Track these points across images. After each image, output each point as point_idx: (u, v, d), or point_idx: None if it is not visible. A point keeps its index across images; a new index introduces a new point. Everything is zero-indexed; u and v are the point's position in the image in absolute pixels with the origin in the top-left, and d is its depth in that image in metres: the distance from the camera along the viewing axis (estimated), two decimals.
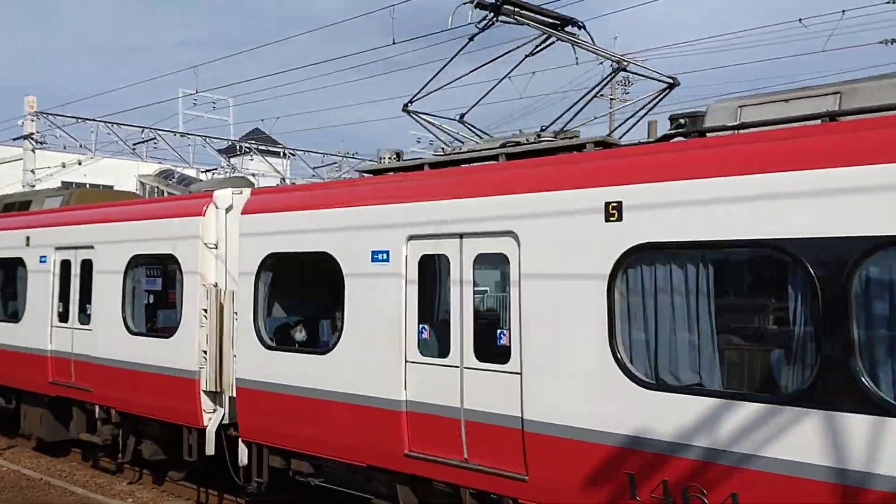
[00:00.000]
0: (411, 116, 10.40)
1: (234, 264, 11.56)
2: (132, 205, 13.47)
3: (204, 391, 11.35)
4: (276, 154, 38.07)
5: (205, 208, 11.61)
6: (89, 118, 32.05)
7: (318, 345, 10.25)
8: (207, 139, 34.38)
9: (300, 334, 10.60)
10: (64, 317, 14.19)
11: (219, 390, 11.23)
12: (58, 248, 14.49)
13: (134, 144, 33.45)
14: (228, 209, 11.64)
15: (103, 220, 13.45)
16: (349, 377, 9.22)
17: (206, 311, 11.34)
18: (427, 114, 10.42)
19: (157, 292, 12.63)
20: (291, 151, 37.68)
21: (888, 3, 23.50)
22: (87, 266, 13.82)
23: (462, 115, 10.56)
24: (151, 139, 32.87)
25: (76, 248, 14.01)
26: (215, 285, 11.47)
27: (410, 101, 10.35)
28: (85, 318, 13.66)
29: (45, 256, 14.82)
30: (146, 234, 12.44)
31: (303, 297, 11.02)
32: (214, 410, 11.43)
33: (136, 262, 12.71)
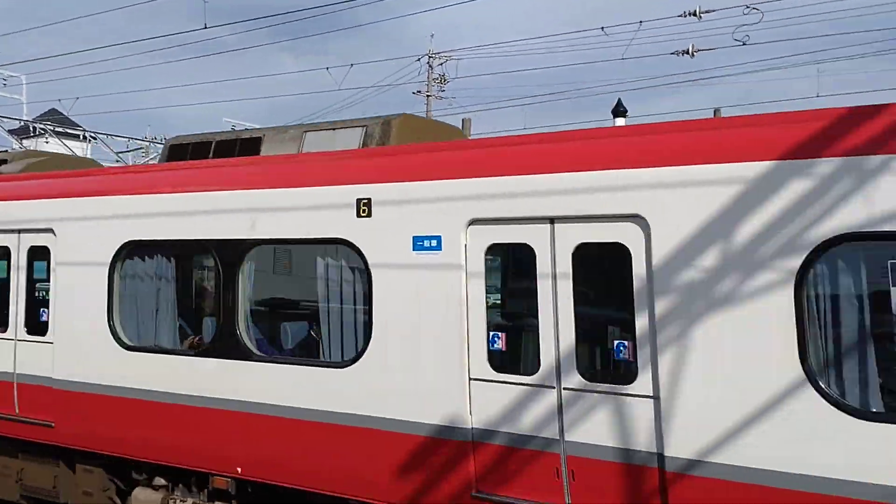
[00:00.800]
0: None
1: None
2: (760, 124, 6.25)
3: None
4: (76, 137, 34.46)
5: None
6: None
7: None
8: None
9: None
10: (511, 363, 6.80)
11: None
12: (476, 222, 7.08)
13: None
14: None
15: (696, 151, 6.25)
16: None
17: None
18: None
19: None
20: (92, 134, 33.93)
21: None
22: (620, 256, 6.61)
23: None
24: None
25: (564, 219, 6.71)
26: None
27: None
28: (624, 369, 6.41)
29: (433, 238, 7.29)
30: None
31: None
32: None
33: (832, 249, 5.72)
